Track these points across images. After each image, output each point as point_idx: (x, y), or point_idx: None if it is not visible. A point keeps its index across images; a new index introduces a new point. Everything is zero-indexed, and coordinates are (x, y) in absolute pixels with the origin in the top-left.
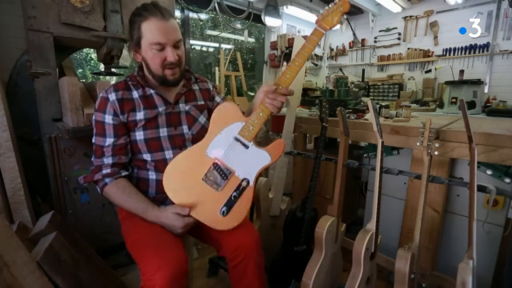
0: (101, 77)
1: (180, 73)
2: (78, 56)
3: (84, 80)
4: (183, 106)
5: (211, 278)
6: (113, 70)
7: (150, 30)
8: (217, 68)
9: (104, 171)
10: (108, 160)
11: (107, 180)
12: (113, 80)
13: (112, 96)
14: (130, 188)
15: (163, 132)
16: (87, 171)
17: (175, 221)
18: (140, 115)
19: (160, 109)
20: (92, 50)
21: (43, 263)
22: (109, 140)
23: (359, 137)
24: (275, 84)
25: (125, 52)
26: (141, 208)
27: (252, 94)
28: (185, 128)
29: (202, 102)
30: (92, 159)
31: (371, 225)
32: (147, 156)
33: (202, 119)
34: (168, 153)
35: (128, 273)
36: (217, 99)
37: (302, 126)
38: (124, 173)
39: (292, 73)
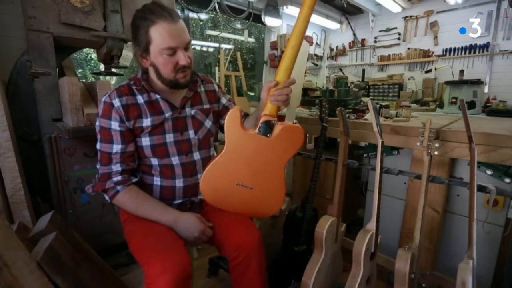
0: (101, 77)
1: (191, 74)
2: (78, 56)
3: (84, 80)
4: (189, 111)
5: (211, 278)
6: (113, 70)
7: (160, 34)
8: (217, 68)
9: (115, 179)
10: (117, 167)
11: (118, 187)
12: (113, 80)
13: (117, 102)
14: (143, 193)
15: (170, 137)
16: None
17: (196, 225)
18: (147, 122)
19: (167, 114)
20: (92, 50)
21: (43, 263)
22: (117, 147)
23: (359, 137)
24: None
25: (125, 52)
26: (157, 211)
27: (252, 94)
28: (191, 133)
29: (208, 106)
30: (98, 166)
31: (371, 225)
32: (154, 161)
33: (208, 123)
34: (175, 159)
35: (128, 273)
36: (223, 101)
37: (302, 126)
38: (134, 179)
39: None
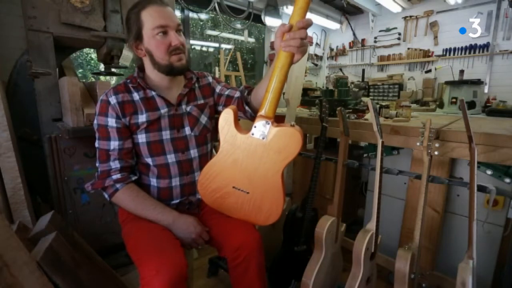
0: (101, 77)
1: (186, 60)
2: (78, 56)
3: (84, 80)
4: (185, 107)
5: (211, 278)
6: (113, 70)
7: (150, 15)
8: (217, 68)
9: (114, 177)
10: (115, 164)
11: (118, 185)
12: (113, 80)
13: (113, 99)
14: (142, 192)
15: (166, 135)
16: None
17: (195, 227)
18: (142, 118)
19: (163, 111)
20: (92, 50)
21: (43, 263)
22: (114, 144)
23: (359, 137)
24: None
25: (125, 52)
26: (157, 210)
27: None
28: (187, 129)
29: (202, 101)
30: (97, 164)
31: (371, 225)
32: (149, 160)
33: (203, 118)
34: (171, 157)
35: (128, 273)
36: (217, 88)
37: (302, 126)
38: (133, 177)
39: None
